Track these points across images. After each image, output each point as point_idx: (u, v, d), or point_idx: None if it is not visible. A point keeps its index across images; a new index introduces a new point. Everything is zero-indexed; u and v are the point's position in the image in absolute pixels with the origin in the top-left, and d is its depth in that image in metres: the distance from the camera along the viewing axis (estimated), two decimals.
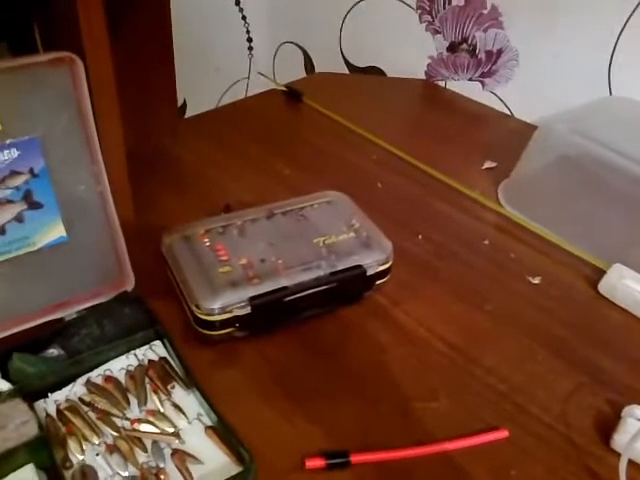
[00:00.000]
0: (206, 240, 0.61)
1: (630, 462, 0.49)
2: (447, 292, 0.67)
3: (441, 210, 0.80)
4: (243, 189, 0.80)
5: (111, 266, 0.56)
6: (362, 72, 1.22)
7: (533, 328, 0.64)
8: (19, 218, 0.51)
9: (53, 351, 0.51)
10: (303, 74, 1.32)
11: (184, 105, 1.21)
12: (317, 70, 1.29)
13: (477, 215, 0.79)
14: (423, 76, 1.13)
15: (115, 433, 0.47)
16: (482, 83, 1.05)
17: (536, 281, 0.69)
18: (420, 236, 0.74)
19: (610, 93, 0.91)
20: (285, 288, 0.57)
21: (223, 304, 0.55)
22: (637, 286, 0.66)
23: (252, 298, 0.56)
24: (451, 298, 0.67)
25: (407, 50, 1.13)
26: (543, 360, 0.60)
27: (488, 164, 0.88)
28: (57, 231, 0.53)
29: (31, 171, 0.51)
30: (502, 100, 1.04)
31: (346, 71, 1.24)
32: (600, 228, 0.75)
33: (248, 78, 1.34)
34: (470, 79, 1.06)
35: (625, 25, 0.86)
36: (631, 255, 0.70)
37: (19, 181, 0.50)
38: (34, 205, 0.51)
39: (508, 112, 1.03)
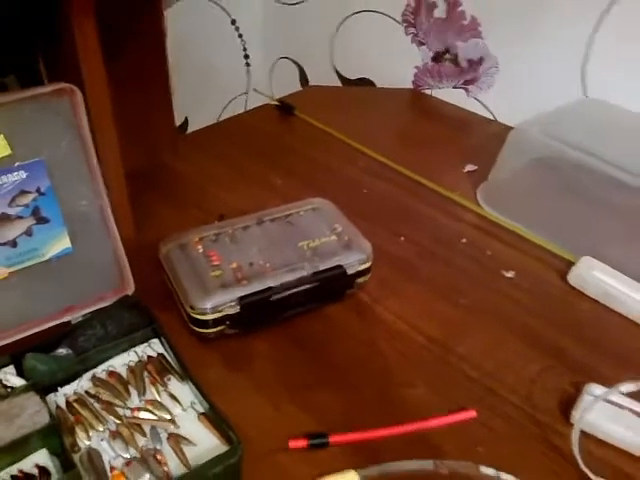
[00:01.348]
0: (200, 247, 0.67)
1: (586, 435, 0.53)
2: (426, 289, 0.72)
3: (423, 212, 0.85)
4: (238, 200, 0.86)
5: (113, 273, 0.62)
6: (353, 84, 1.27)
7: (506, 319, 0.68)
8: (29, 232, 0.57)
9: (62, 350, 0.57)
10: (299, 87, 1.38)
11: (186, 122, 1.27)
12: (311, 83, 1.35)
13: (457, 216, 0.84)
14: (410, 85, 1.18)
15: (118, 421, 0.53)
16: (466, 90, 1.10)
17: (510, 275, 0.74)
18: (402, 237, 0.79)
19: (585, 95, 0.95)
20: (270, 288, 0.63)
21: (214, 304, 0.60)
22: (604, 276, 0.70)
23: (241, 298, 0.61)
24: (430, 294, 0.71)
25: (394, 61, 1.18)
26: (514, 348, 0.65)
27: (469, 167, 0.93)
28: (63, 243, 0.59)
29: (38, 190, 0.57)
30: (485, 106, 1.08)
31: (339, 83, 1.30)
32: (573, 226, 0.79)
33: (246, 94, 1.40)
34: (454, 87, 1.11)
35: (597, 29, 0.90)
36: (602, 251, 0.73)
37: (28, 199, 0.57)
38: (42, 220, 0.58)
39: (491, 117, 1.08)
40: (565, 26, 0.93)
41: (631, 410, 0.53)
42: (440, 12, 1.07)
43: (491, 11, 1.01)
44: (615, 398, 0.54)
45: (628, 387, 0.52)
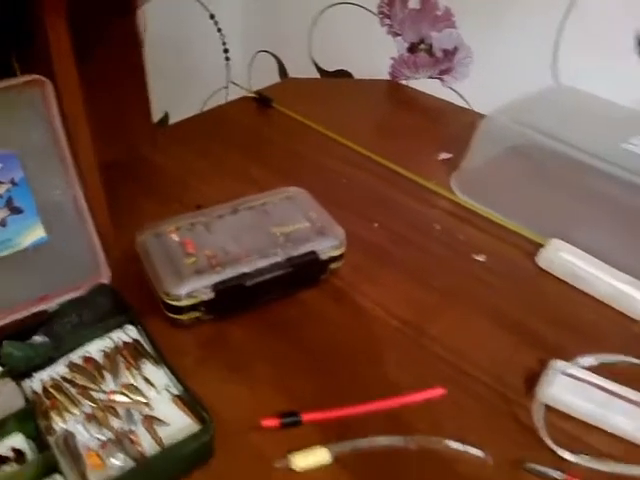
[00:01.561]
0: (175, 236, 0.68)
1: (551, 409, 0.55)
2: (400, 273, 0.74)
3: (399, 200, 0.86)
4: (217, 192, 0.86)
5: (88, 262, 0.63)
6: (332, 76, 1.28)
7: (477, 301, 0.70)
8: (3, 223, 0.58)
9: (38, 338, 0.58)
10: (279, 80, 1.38)
11: (166, 117, 1.28)
12: (290, 76, 1.36)
13: (431, 203, 0.86)
14: (387, 76, 1.19)
15: (93, 404, 0.54)
16: (441, 80, 1.11)
17: (481, 258, 0.75)
18: (376, 224, 0.81)
19: (557, 83, 0.97)
20: (245, 274, 0.64)
21: (189, 290, 0.62)
22: (571, 258, 0.72)
23: (215, 284, 0.62)
24: (403, 278, 0.73)
25: (371, 53, 1.19)
26: (485, 329, 0.67)
27: (443, 155, 0.95)
28: (37, 232, 0.60)
29: (12, 181, 0.58)
30: (460, 95, 1.10)
31: (317, 75, 1.31)
32: (545, 211, 0.80)
33: (227, 88, 1.41)
34: (430, 77, 1.13)
35: (567, 15, 0.92)
36: (573, 235, 0.75)
37: (1, 190, 0.57)
38: (15, 210, 0.58)
39: (467, 106, 1.10)
40: (535, 13, 0.95)
41: (593, 384, 0.55)
42: (414, 3, 1.08)
43: (464, 1, 1.02)
44: (579, 373, 0.56)
45: (587, 360, 0.54)
